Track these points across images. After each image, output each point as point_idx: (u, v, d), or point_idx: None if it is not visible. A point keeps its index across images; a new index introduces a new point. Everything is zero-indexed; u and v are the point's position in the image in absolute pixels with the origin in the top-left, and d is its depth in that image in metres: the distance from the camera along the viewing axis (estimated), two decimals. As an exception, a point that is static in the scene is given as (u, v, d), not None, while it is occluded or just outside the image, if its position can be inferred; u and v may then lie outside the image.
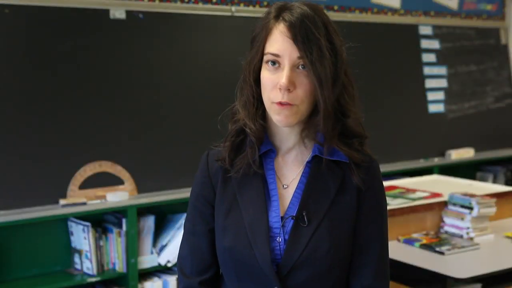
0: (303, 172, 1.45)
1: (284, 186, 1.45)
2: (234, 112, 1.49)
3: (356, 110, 1.44)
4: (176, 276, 3.49)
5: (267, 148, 1.46)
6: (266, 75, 1.38)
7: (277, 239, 1.40)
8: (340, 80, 1.39)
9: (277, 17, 1.39)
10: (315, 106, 1.40)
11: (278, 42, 1.36)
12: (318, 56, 1.34)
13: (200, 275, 1.49)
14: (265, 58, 1.39)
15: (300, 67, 1.36)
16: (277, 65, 1.37)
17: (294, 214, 1.41)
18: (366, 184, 1.43)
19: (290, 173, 1.46)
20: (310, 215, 1.40)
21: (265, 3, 3.95)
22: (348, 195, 1.43)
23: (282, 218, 1.42)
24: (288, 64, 1.35)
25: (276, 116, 1.38)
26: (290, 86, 1.35)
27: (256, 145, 1.44)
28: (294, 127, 1.43)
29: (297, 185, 1.44)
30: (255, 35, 1.42)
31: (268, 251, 1.38)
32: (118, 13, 3.42)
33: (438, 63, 4.78)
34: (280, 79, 1.35)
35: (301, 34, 1.34)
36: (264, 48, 1.39)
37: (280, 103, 1.36)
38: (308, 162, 1.45)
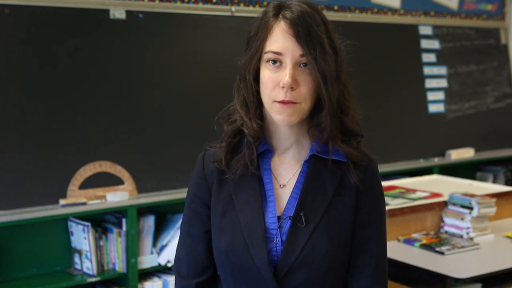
0: (300, 172, 1.43)
1: (281, 185, 1.43)
2: (230, 112, 1.47)
3: (354, 107, 1.42)
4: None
5: (264, 148, 1.43)
6: (267, 74, 1.36)
7: (274, 240, 1.37)
8: (342, 77, 1.38)
9: (277, 15, 1.37)
10: (316, 104, 1.38)
11: (280, 40, 1.34)
12: (321, 53, 1.33)
13: (197, 277, 1.47)
14: (266, 56, 1.36)
15: (302, 65, 1.34)
16: (278, 63, 1.35)
17: (292, 215, 1.39)
18: (364, 185, 1.41)
19: (287, 173, 1.44)
20: (307, 215, 1.38)
21: (265, 3, 3.94)
22: (346, 195, 1.41)
23: (279, 218, 1.39)
24: (291, 62, 1.33)
25: (278, 115, 1.36)
26: (294, 84, 1.33)
27: (254, 146, 1.41)
28: (293, 127, 1.41)
29: (295, 185, 1.42)
30: (252, 35, 1.40)
31: (265, 252, 1.35)
32: (118, 13, 3.42)
33: (438, 63, 4.78)
34: (282, 78, 1.33)
35: (303, 32, 1.33)
36: (264, 47, 1.37)
37: (283, 102, 1.34)
38: (305, 161, 1.43)
